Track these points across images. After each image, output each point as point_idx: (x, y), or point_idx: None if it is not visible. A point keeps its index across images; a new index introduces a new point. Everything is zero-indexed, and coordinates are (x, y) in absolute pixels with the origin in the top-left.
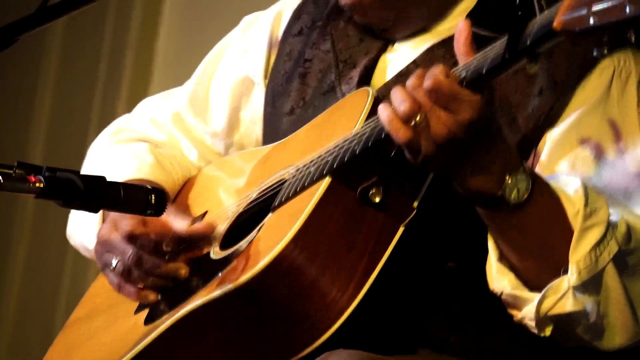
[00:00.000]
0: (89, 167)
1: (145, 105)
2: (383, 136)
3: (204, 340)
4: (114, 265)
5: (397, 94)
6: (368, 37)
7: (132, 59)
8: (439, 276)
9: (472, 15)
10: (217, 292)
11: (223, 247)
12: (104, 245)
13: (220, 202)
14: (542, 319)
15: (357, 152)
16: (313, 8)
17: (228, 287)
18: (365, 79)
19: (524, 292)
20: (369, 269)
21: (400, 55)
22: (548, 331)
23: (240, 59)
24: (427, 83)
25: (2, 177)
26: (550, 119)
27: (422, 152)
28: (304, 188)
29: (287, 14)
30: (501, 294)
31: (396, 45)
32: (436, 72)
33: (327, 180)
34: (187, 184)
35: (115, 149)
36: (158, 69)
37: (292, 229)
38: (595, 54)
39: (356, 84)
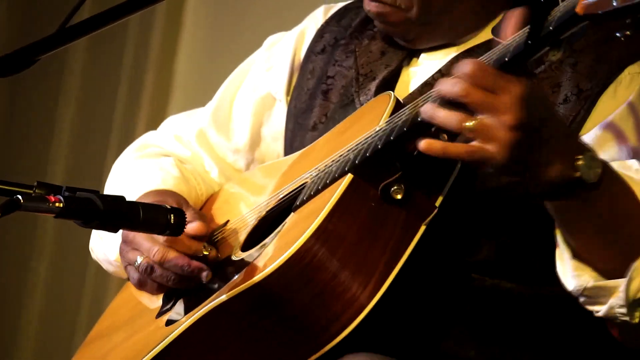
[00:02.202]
0: (113, 180)
1: (170, 123)
2: (406, 129)
3: (224, 338)
4: (138, 262)
5: (440, 114)
6: (390, 51)
7: (152, 80)
8: (461, 286)
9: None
10: (235, 290)
11: (245, 249)
12: (128, 244)
13: (241, 212)
14: (633, 303)
15: (380, 146)
16: (336, 27)
17: (246, 284)
18: (383, 90)
19: (608, 282)
20: (389, 267)
21: (424, 67)
22: (638, 316)
23: (264, 77)
24: (465, 71)
25: (22, 196)
26: (575, 127)
27: (494, 151)
28: (325, 186)
29: (310, 33)
30: (582, 291)
31: (420, 58)
32: (465, 65)
33: (348, 177)
34: (209, 200)
35: (140, 162)
36: (177, 90)
37: (312, 224)
38: (618, 35)
39: (373, 94)
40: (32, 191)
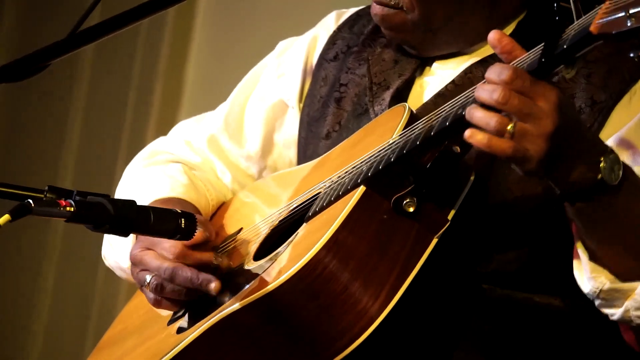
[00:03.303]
0: (123, 188)
1: (181, 128)
2: (419, 143)
3: (234, 347)
4: (148, 281)
5: (478, 114)
6: (403, 60)
7: (162, 85)
8: (472, 296)
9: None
10: (246, 300)
11: (257, 258)
12: (138, 265)
13: (254, 221)
14: None
15: (392, 160)
16: (349, 34)
17: (257, 294)
18: (397, 100)
19: (624, 284)
20: (400, 279)
21: (437, 78)
22: None
23: (275, 83)
24: (503, 78)
25: (33, 201)
26: None
27: (533, 154)
28: (338, 197)
29: (323, 40)
30: (598, 294)
31: (433, 67)
32: (503, 70)
33: (361, 189)
34: (221, 208)
35: (149, 170)
36: (187, 95)
37: (324, 235)
38: (632, 56)
39: (388, 104)
40: (43, 195)
